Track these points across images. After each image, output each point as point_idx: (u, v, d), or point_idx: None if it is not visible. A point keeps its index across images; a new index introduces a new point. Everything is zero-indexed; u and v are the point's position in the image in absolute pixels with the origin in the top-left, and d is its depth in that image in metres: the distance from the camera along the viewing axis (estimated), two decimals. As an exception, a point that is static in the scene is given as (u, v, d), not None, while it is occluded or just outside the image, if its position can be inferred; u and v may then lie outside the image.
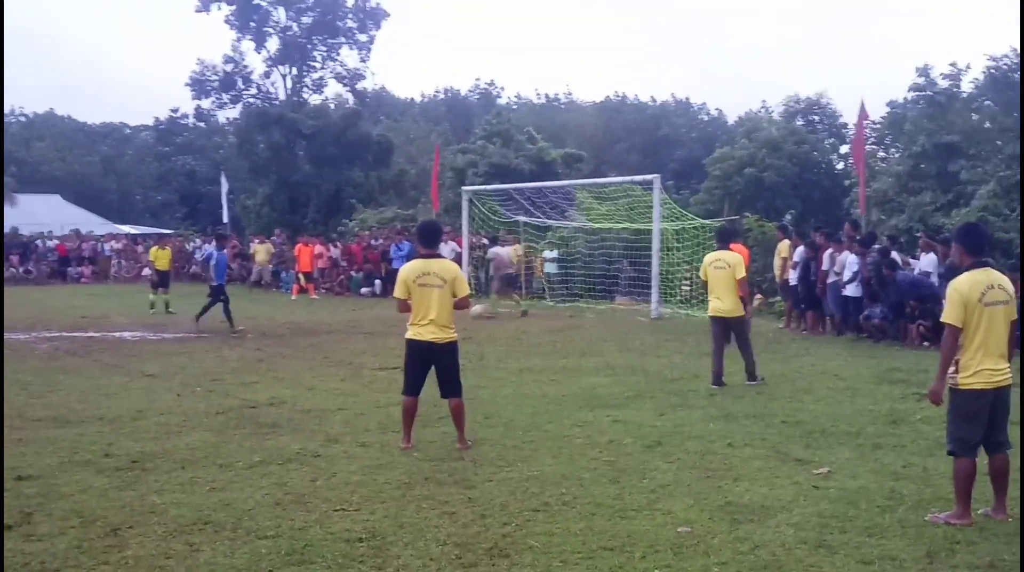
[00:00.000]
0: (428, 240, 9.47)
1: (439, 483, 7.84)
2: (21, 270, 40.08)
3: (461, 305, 9.35)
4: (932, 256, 17.33)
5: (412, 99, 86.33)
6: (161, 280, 24.95)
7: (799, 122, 51.68)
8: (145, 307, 24.36)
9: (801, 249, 20.06)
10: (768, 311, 22.50)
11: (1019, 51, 34.25)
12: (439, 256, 9.60)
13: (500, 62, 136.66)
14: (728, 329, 13.07)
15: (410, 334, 9.21)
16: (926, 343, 16.85)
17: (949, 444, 6.92)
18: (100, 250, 43.40)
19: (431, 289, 9.01)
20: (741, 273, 12.94)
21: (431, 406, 11.23)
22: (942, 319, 6.92)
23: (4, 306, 18.21)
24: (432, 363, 9.25)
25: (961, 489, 6.81)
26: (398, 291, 9.25)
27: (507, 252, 24.97)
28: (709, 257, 13.33)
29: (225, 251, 21.32)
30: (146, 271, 26.58)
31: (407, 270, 9.24)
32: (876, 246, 18.50)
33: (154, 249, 26.42)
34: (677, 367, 14.54)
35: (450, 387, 9.30)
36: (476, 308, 10.18)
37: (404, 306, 9.27)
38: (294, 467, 8.40)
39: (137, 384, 12.99)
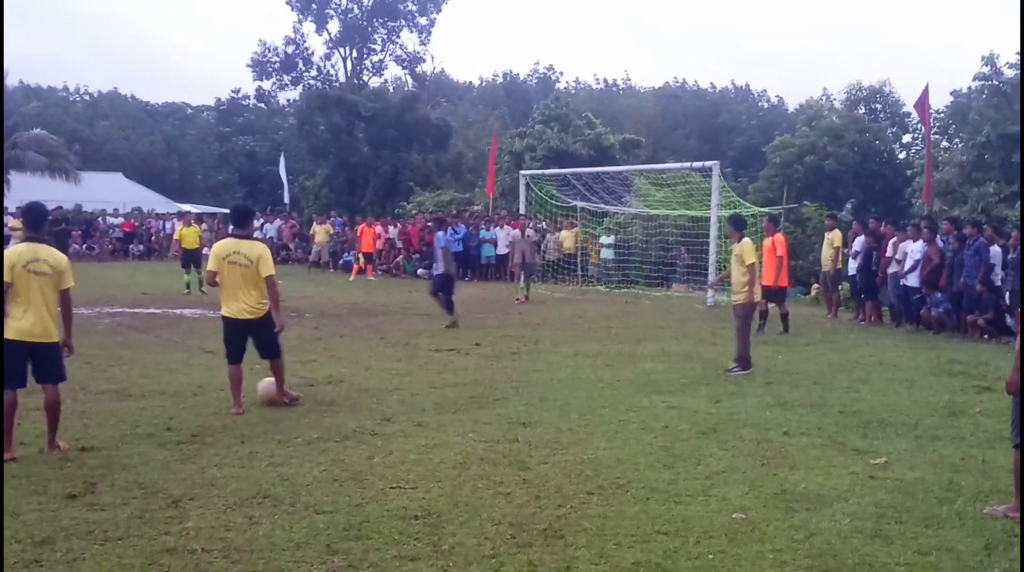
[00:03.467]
0: (240, 221, 10.53)
1: (494, 464, 7.89)
2: (84, 247, 40.73)
3: (268, 283, 10.04)
4: (996, 249, 17.08)
5: (471, 83, 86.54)
6: (190, 258, 24.65)
7: (861, 110, 51.06)
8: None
9: (862, 238, 19.88)
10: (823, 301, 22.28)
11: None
12: (250, 237, 10.49)
13: (559, 47, 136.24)
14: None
15: (224, 312, 10.10)
16: (985, 336, 16.65)
17: (1015, 437, 6.79)
18: (162, 228, 43.95)
19: (237, 267, 9.92)
20: (750, 259, 13.01)
21: (487, 388, 11.34)
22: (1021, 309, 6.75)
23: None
24: (249, 335, 10.14)
25: (1022, 482, 6.72)
26: (210, 265, 10.10)
27: (520, 237, 24.59)
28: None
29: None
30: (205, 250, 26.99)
31: (219, 247, 10.18)
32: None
33: (181, 228, 26.35)
34: (731, 355, 14.44)
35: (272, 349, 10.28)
36: (262, 386, 9.57)
37: (212, 279, 10.16)
38: (351, 444, 8.50)
39: (198, 360, 13.17)
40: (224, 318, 10.12)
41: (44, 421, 8.45)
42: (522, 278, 23.54)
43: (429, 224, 33.56)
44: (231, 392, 10.11)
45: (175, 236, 27.36)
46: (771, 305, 17.62)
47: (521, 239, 24.03)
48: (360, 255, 31.97)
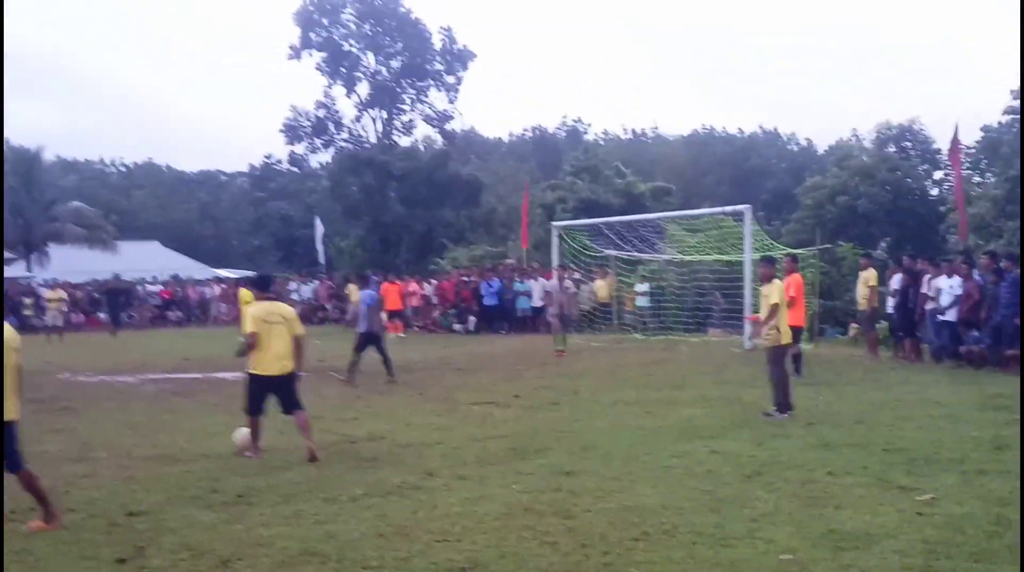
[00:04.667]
0: (264, 287, 11.71)
1: (539, 514, 7.88)
2: (124, 315, 41.16)
3: (298, 342, 10.98)
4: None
5: (500, 138, 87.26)
6: None
7: (891, 149, 51.00)
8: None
9: (899, 276, 19.82)
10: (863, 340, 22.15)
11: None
12: (278, 299, 11.72)
13: (587, 99, 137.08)
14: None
15: (257, 369, 10.89)
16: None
17: None
18: (203, 295, 44.37)
19: (274, 326, 10.81)
20: (773, 300, 13.02)
21: (528, 439, 11.35)
22: None
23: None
24: (273, 391, 10.96)
25: None
26: (251, 326, 10.87)
27: (558, 288, 24.57)
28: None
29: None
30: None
31: (257, 309, 11.03)
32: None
33: (242, 290, 26.85)
34: (772, 397, 14.39)
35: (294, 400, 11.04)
36: (239, 436, 10.00)
37: (253, 340, 10.80)
38: (395, 499, 8.52)
39: (240, 422, 13.16)
40: (256, 376, 10.92)
41: (91, 487, 8.54)
42: (560, 330, 23.48)
43: (463, 279, 33.82)
44: (252, 437, 10.96)
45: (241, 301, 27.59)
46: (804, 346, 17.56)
47: (559, 290, 24.07)
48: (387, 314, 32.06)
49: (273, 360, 10.80)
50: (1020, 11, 17.92)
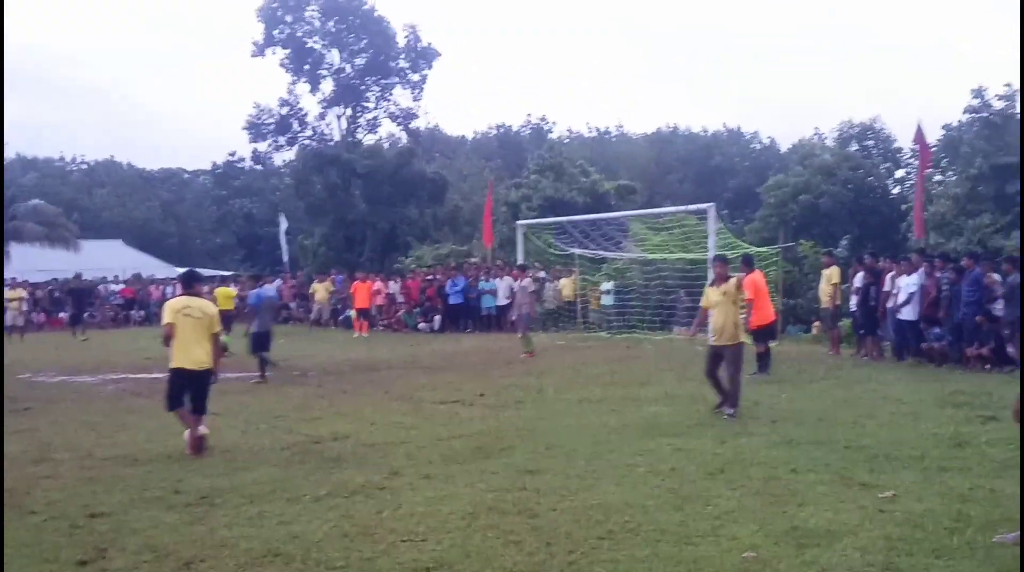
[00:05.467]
0: (188, 283, 11.91)
1: (503, 513, 7.88)
2: (85, 315, 40.76)
3: (215, 340, 11.36)
4: (993, 275, 17.16)
5: (464, 136, 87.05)
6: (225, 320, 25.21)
7: (853, 147, 51.39)
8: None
9: (860, 274, 19.98)
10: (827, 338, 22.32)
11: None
12: (199, 295, 11.89)
13: (551, 97, 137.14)
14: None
15: (176, 362, 11.07)
16: (988, 366, 16.69)
17: None
18: (165, 294, 44.04)
19: (192, 320, 11.05)
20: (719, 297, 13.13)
21: (493, 438, 11.35)
22: None
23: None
24: (193, 384, 11.15)
25: None
26: (166, 318, 11.11)
27: (525, 289, 24.40)
28: None
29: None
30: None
31: (173, 303, 11.36)
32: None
33: (217, 288, 26.90)
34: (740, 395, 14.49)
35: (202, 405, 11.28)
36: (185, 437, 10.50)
37: (170, 332, 11.05)
38: (360, 499, 8.50)
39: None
40: (177, 370, 11.10)
41: (52, 488, 8.50)
42: (524, 331, 23.27)
43: (428, 278, 33.79)
44: (187, 425, 11.07)
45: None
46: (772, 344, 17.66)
47: (519, 291, 23.99)
48: (354, 312, 32.00)
49: (190, 355, 11.04)
50: (1020, 11, 18.07)
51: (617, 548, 6.86)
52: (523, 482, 8.99)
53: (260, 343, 18.58)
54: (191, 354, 11.05)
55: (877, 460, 9.58)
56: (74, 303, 35.73)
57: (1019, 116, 31.13)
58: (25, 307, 35.19)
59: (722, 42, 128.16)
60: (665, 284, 27.75)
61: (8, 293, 34.72)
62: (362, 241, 51.06)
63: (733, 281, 13.16)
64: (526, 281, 23.78)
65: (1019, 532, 6.78)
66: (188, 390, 11.16)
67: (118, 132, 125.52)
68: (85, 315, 38.68)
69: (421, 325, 32.34)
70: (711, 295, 13.16)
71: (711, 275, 13.95)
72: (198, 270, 13.79)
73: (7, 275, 42.84)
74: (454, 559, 6.69)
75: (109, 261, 52.85)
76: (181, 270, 16.14)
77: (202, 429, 11.07)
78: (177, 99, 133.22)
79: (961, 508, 7.62)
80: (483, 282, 31.28)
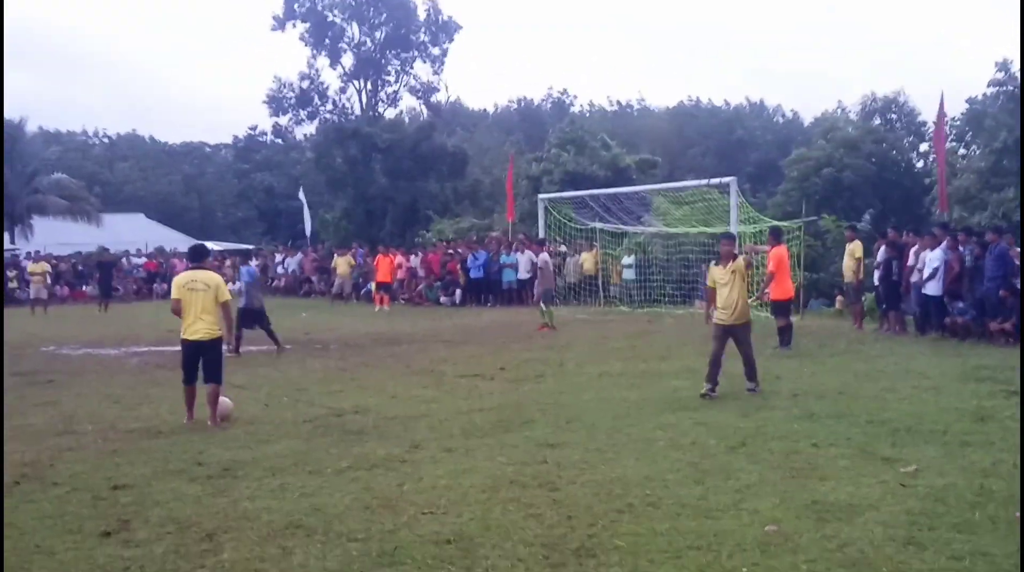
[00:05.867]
0: (195, 257, 12.00)
1: (524, 486, 7.90)
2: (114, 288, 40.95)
3: (224, 309, 11.53)
4: (1017, 250, 17.06)
5: (485, 110, 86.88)
6: None
7: (876, 121, 50.97)
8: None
9: (883, 248, 19.86)
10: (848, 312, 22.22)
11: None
12: (207, 267, 11.95)
13: (572, 71, 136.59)
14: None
15: (185, 334, 11.32)
16: (1011, 341, 16.58)
17: None
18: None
19: (198, 293, 11.22)
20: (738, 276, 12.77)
21: (513, 411, 11.37)
22: None
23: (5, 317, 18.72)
24: (202, 355, 11.29)
25: None
26: (173, 293, 11.45)
27: (550, 263, 24.32)
28: None
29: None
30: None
31: (180, 278, 11.58)
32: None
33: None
34: (759, 368, 14.43)
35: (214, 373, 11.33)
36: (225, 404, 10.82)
37: (176, 307, 11.34)
38: (381, 472, 8.53)
39: (225, 395, 13.23)
40: (185, 342, 11.35)
41: (76, 460, 8.84)
42: (542, 304, 23.24)
43: (449, 252, 33.79)
44: (187, 406, 11.36)
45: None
46: (793, 318, 17.61)
47: (538, 265, 23.97)
48: (375, 285, 31.98)
49: (197, 327, 11.23)
50: (1021, 11, 17.96)
51: (637, 522, 6.86)
52: (543, 455, 9.00)
53: (251, 318, 18.71)
54: (198, 326, 11.24)
55: (899, 434, 9.55)
56: (102, 276, 35.80)
57: (1020, 102, 30.74)
58: (48, 280, 35.32)
59: (745, 14, 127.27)
60: (687, 258, 27.66)
61: (31, 266, 34.93)
62: (383, 215, 51.06)
63: (741, 259, 13.02)
64: (543, 255, 23.76)
65: None
66: (198, 360, 11.33)
67: (140, 106, 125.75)
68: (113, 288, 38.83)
69: (442, 299, 32.35)
70: (717, 274, 12.74)
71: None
72: (205, 244, 14.12)
73: (30, 248, 43.25)
74: (474, 532, 6.70)
75: (131, 234, 53.09)
76: (206, 244, 16.24)
77: (225, 401, 11.42)
78: (198, 73, 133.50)
79: (983, 483, 7.59)
80: (504, 256, 31.23)
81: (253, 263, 24.13)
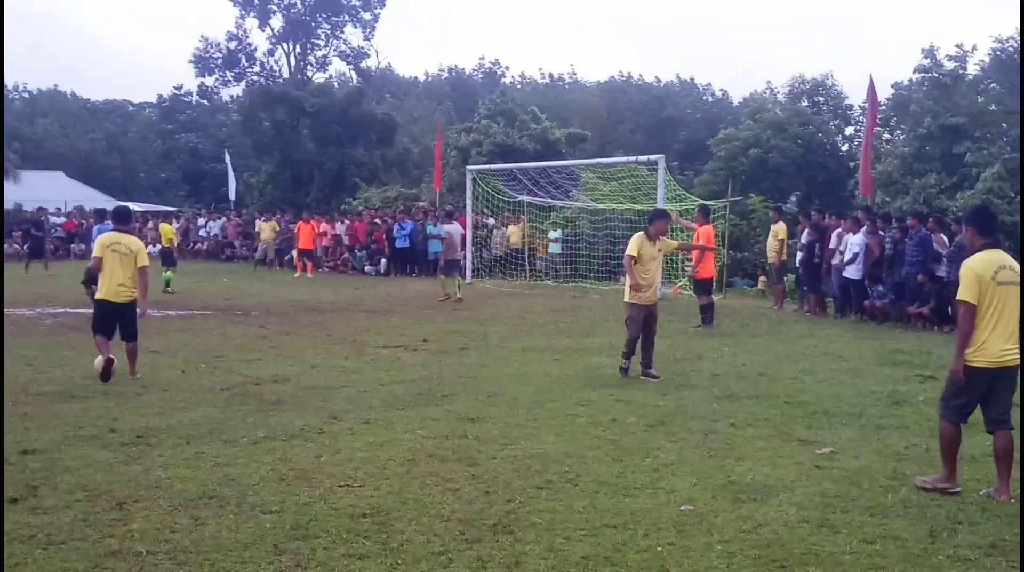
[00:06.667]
0: (119, 219, 12.23)
1: (443, 460, 7.85)
2: (24, 247, 39.99)
3: (141, 273, 11.76)
4: (942, 237, 17.35)
5: (416, 78, 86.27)
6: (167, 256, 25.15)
7: (804, 103, 51.46)
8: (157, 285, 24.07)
9: (806, 231, 20.10)
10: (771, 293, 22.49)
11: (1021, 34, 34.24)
12: (130, 232, 12.28)
13: (504, 41, 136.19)
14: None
15: (101, 293, 11.67)
16: (928, 325, 16.89)
17: (939, 408, 7.27)
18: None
19: (120, 255, 11.54)
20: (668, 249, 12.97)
21: (435, 384, 11.31)
22: (958, 297, 7.02)
23: (4, 284, 18.30)
24: (118, 315, 11.66)
25: (945, 452, 7.09)
26: (96, 252, 11.67)
27: (458, 232, 24.35)
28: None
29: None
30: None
31: (104, 238, 11.80)
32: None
33: (163, 224, 26.66)
34: (680, 347, 14.56)
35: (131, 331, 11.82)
36: (96, 362, 11.51)
37: (97, 266, 11.64)
38: (298, 443, 8.42)
39: (141, 360, 12.94)
40: (101, 301, 11.68)
41: None
42: (442, 275, 23.31)
43: (376, 222, 33.54)
44: (101, 352, 11.49)
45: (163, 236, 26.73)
46: (715, 297, 17.78)
47: (456, 236, 23.90)
48: (297, 253, 31.72)
49: (116, 288, 11.55)
50: (1020, 11, 18.31)
51: (555, 498, 6.85)
52: (464, 430, 8.96)
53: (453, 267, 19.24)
54: (116, 287, 11.55)
55: (816, 416, 9.67)
56: (32, 236, 34.57)
57: (1020, 76, 31.24)
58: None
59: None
60: (613, 234, 27.72)
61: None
62: (309, 181, 50.55)
63: (669, 239, 12.98)
64: (449, 225, 23.74)
65: (937, 476, 7.14)
66: (115, 320, 11.67)
67: (62, 60, 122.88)
68: (24, 248, 37.83)
69: (367, 268, 32.14)
70: (646, 249, 12.06)
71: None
72: (129, 206, 14.07)
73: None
74: (391, 506, 6.64)
75: (50, 193, 51.86)
76: (128, 204, 15.93)
77: (134, 372, 11.73)
78: (124, 28, 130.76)
79: (897, 466, 7.71)
80: (430, 226, 31.07)
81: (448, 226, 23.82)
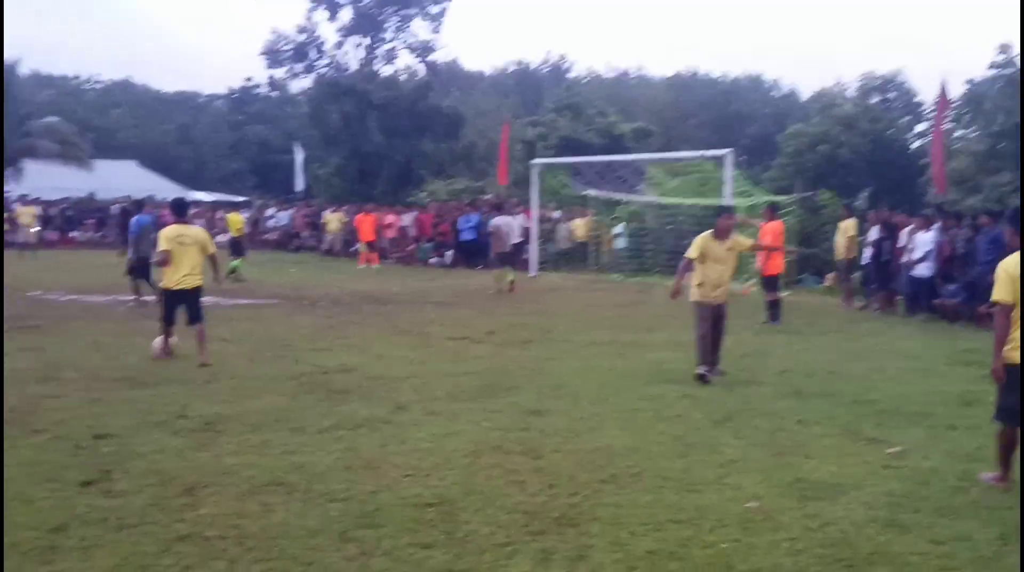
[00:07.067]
0: (179, 211, 12.75)
1: (507, 452, 7.87)
2: (98, 235, 40.75)
3: (212, 260, 12.62)
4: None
5: (482, 72, 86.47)
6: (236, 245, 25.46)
7: (874, 99, 50.85)
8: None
9: (875, 228, 19.83)
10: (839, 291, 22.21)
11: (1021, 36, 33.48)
12: (190, 222, 13.06)
13: (571, 36, 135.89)
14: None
15: (167, 283, 12.25)
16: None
17: (994, 412, 7.22)
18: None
19: (185, 247, 12.08)
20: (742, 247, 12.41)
21: (499, 376, 11.34)
22: (992, 297, 6.98)
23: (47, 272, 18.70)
24: (185, 303, 12.24)
25: (1001, 455, 7.12)
26: (162, 245, 12.13)
27: (508, 225, 24.41)
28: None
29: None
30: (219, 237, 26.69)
31: (168, 231, 12.27)
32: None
33: (231, 214, 26.95)
34: (746, 343, 14.42)
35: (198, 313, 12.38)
36: (154, 343, 12.49)
37: (166, 258, 12.08)
38: (364, 432, 8.49)
39: (211, 348, 13.13)
40: (168, 290, 12.23)
41: (58, 408, 9.01)
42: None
43: (441, 213, 33.64)
44: (163, 341, 12.39)
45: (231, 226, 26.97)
46: (782, 293, 17.60)
47: (504, 228, 23.97)
48: (361, 244, 31.95)
49: (181, 277, 12.08)
50: (1020, 11, 17.88)
51: (620, 492, 6.84)
52: (528, 422, 8.97)
53: (138, 269, 18.69)
54: (183, 277, 12.10)
55: (885, 415, 9.53)
56: (123, 223, 35.25)
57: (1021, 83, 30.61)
58: (38, 225, 35.07)
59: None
60: (679, 229, 27.50)
61: (20, 210, 34.69)
62: (376, 173, 50.84)
63: (740, 236, 12.65)
64: (498, 218, 23.88)
65: (996, 473, 7.10)
66: (181, 305, 12.27)
67: (135, 52, 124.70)
68: (98, 235, 38.51)
69: (433, 260, 32.29)
70: (712, 249, 11.56)
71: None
72: (198, 195, 14.81)
73: (20, 191, 42.98)
74: (456, 496, 6.67)
75: (122, 181, 52.60)
76: (198, 194, 16.27)
77: (202, 357, 12.05)
78: (195, 21, 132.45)
79: (967, 467, 7.57)
80: (473, 218, 31.10)
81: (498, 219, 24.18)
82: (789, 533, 6.03)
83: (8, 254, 30.61)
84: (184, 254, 12.10)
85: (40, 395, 9.87)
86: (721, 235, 11.66)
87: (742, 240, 12.41)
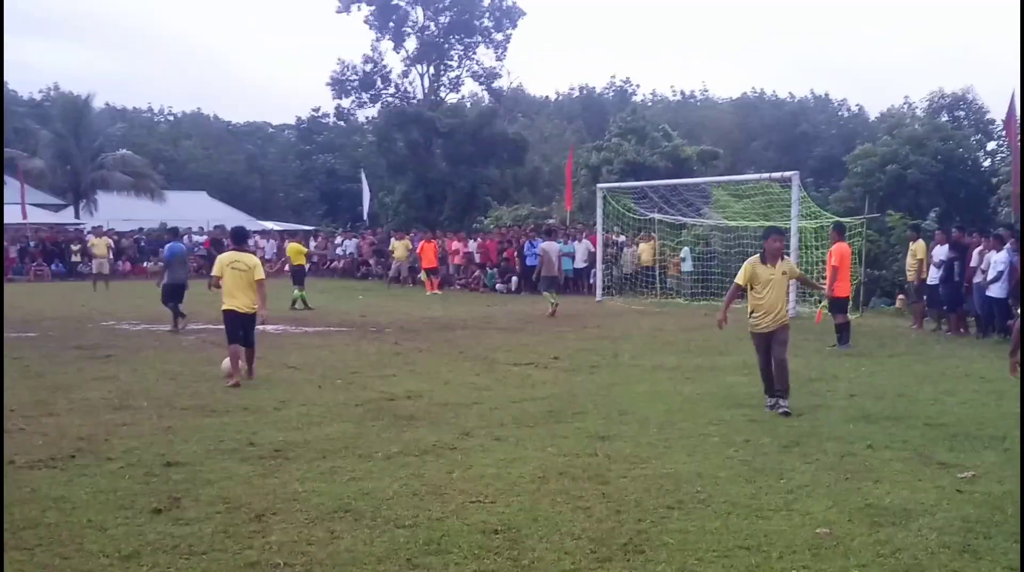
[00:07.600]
0: (238, 239, 13.85)
1: (573, 478, 7.85)
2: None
3: (259, 286, 13.05)
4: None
5: (547, 97, 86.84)
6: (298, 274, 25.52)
7: (944, 118, 50.13)
8: (286, 302, 24.61)
9: (944, 249, 19.53)
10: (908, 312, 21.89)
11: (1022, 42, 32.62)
12: (248, 250, 13.72)
13: (635, 60, 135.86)
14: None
15: (227, 305, 12.96)
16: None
17: None
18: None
19: (238, 272, 12.85)
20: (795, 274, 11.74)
21: (565, 402, 11.32)
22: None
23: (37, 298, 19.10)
24: (242, 324, 12.93)
25: None
26: (215, 271, 13.08)
27: (555, 251, 24.45)
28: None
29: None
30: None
31: (223, 257, 13.13)
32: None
33: (290, 244, 27.17)
34: (815, 367, 14.29)
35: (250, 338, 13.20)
36: (223, 365, 12.97)
37: (216, 282, 13.05)
38: (431, 459, 8.52)
39: (279, 375, 13.34)
40: (227, 311, 12.88)
41: (130, 436, 9.24)
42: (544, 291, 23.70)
43: (506, 239, 33.75)
44: (232, 364, 12.79)
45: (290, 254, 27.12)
46: (851, 316, 17.37)
47: (553, 254, 24.06)
48: (424, 271, 32.16)
49: (239, 300, 12.85)
50: (1021, 11, 17.72)
51: (687, 518, 6.79)
52: (594, 448, 8.95)
53: (171, 294, 19.45)
54: (237, 300, 12.87)
55: (957, 439, 9.37)
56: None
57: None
58: (111, 256, 35.78)
59: (812, 5, 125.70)
60: (745, 252, 27.29)
61: (94, 241, 35.40)
62: (442, 200, 51.20)
63: (791, 260, 12.30)
64: (545, 243, 24.09)
65: None
66: (241, 327, 12.94)
67: (205, 84, 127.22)
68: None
69: (498, 286, 32.38)
70: (761, 273, 11.03)
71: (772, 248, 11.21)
72: (244, 227, 15.48)
73: (94, 223, 43.93)
74: (522, 523, 6.67)
75: (193, 212, 53.63)
76: (267, 224, 16.64)
77: (242, 364, 12.97)
78: (263, 54, 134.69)
79: (1043, 493, 7.42)
80: (561, 244, 31.17)
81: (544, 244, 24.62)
82: (860, 559, 5.95)
83: (83, 285, 31.29)
84: (237, 279, 12.86)
85: (113, 423, 10.05)
86: (770, 259, 11.13)
87: (794, 267, 11.86)
